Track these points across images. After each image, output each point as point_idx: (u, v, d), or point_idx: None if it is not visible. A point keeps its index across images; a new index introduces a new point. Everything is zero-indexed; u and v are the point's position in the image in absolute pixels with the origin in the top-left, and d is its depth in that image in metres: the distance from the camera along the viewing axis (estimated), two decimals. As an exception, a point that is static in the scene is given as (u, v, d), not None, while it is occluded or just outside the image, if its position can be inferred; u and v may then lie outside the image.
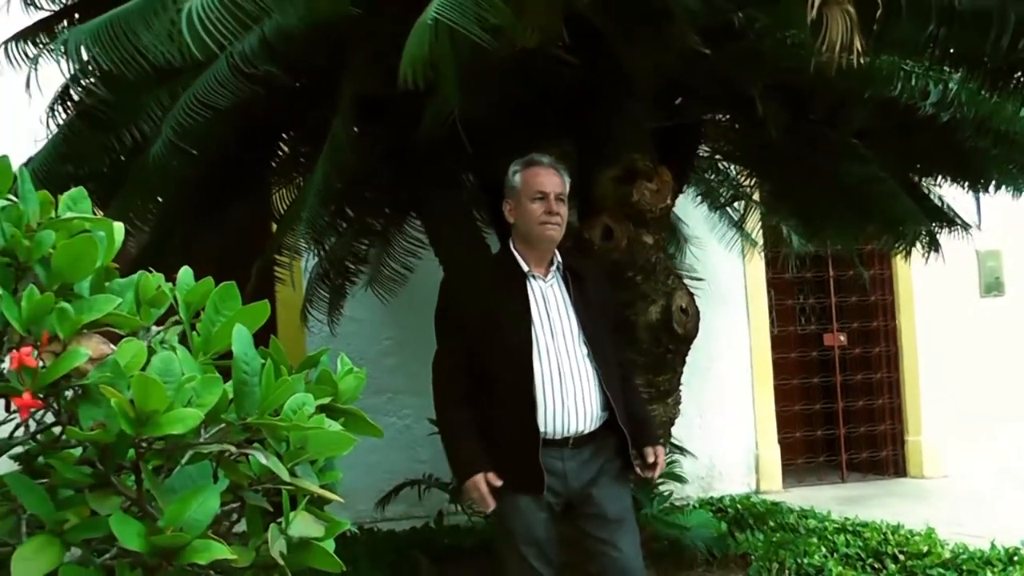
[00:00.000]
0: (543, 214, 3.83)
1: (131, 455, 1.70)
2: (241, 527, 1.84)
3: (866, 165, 5.15)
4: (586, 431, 3.80)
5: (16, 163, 1.94)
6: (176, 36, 3.33)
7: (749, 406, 8.62)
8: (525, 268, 3.86)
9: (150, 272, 1.98)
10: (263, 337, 1.88)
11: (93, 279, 1.88)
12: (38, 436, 1.85)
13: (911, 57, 4.69)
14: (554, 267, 3.92)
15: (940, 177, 5.76)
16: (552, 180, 3.88)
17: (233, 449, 1.69)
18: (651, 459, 3.98)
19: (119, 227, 1.98)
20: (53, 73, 4.58)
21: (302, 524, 1.72)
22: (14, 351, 1.66)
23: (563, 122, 5.04)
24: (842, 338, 9.08)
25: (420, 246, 6.12)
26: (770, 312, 8.86)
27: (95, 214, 1.97)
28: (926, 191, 5.98)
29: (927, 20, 4.59)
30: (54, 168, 4.27)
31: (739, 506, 7.29)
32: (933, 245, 6.04)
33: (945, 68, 4.77)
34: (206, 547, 1.61)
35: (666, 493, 5.96)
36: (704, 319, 4.82)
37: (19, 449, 1.85)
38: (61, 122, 4.84)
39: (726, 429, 8.47)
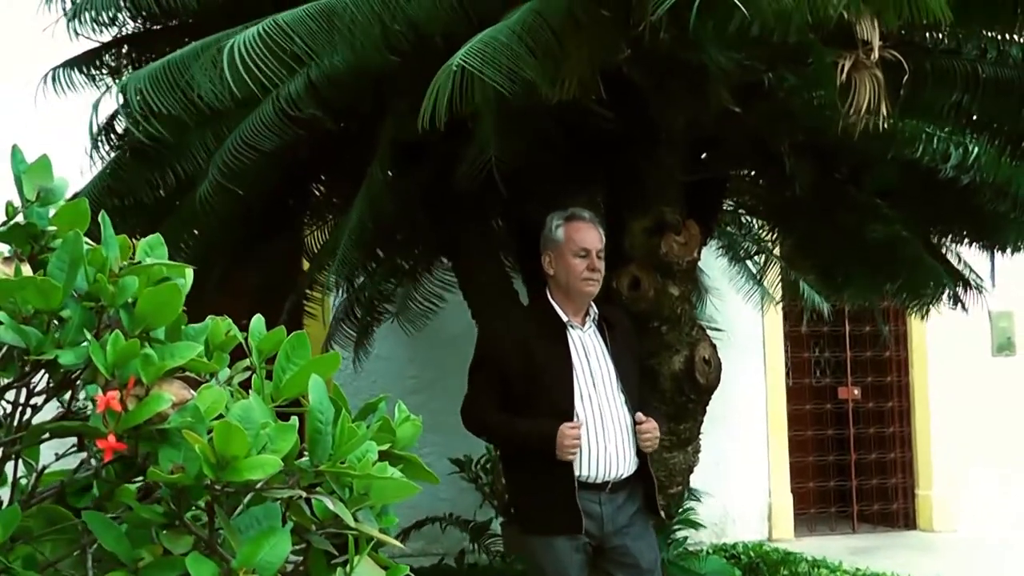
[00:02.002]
0: (586, 270, 3.92)
1: (205, 497, 1.77)
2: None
3: (890, 224, 5.22)
4: (623, 476, 3.89)
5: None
6: (233, 75, 3.44)
7: (764, 455, 8.69)
8: (564, 318, 3.96)
9: (218, 317, 2.07)
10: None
11: (170, 324, 1.97)
12: (101, 473, 1.93)
13: (934, 121, 4.79)
14: (590, 317, 4.02)
15: (959, 238, 5.82)
16: (593, 236, 3.98)
17: (303, 494, 1.77)
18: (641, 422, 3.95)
19: (190, 272, 2.07)
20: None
21: (365, 569, 1.78)
22: (100, 395, 1.75)
23: (593, 169, 5.14)
24: (856, 392, 9.14)
25: (447, 287, 6.21)
26: (786, 364, 8.95)
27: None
28: (944, 251, 6.05)
29: (952, 87, 4.70)
30: (101, 201, 4.36)
31: (752, 554, 7.33)
32: (955, 303, 6.08)
33: (966, 132, 4.88)
34: (278, 588, 1.64)
35: (681, 538, 6.01)
36: (722, 369, 4.90)
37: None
38: (105, 154, 4.95)
39: (740, 477, 8.50)
